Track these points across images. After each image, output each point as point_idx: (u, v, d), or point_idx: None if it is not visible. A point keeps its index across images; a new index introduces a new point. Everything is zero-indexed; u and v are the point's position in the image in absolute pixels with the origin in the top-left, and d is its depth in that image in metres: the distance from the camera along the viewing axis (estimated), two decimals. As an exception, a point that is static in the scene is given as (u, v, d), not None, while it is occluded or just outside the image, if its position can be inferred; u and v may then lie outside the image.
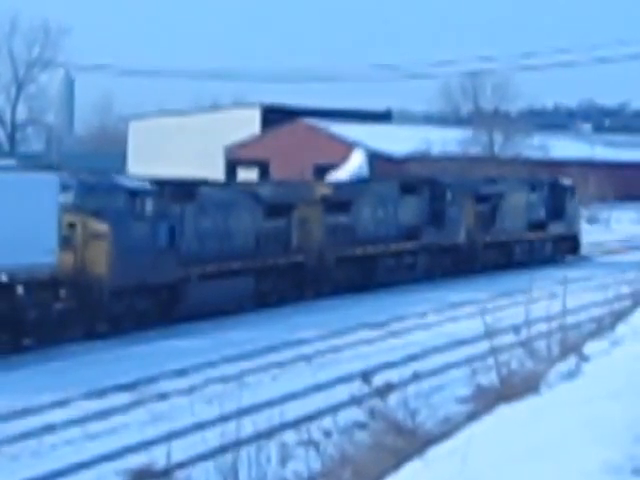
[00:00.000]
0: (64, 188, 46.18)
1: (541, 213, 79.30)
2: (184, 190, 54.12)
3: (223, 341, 43.64)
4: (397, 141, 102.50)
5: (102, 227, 46.41)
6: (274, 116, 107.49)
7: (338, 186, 66.37)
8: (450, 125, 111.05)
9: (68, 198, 46.35)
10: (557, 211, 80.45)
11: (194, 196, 53.44)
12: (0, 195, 41.80)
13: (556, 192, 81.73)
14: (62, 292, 44.34)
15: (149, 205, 49.79)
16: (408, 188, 68.81)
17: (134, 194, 49.88)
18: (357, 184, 69.42)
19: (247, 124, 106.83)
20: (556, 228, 79.83)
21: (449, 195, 70.27)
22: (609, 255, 74.55)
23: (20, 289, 41.92)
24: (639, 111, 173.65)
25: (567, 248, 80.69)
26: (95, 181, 50.95)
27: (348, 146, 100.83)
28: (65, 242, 44.67)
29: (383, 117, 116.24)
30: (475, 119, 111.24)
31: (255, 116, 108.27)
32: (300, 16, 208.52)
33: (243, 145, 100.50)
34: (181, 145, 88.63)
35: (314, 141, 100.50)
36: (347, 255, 60.57)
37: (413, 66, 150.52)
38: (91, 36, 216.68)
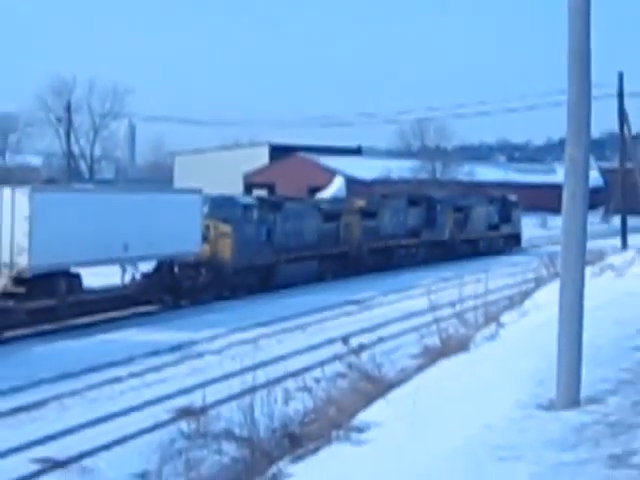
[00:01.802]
0: (204, 203, 51.96)
1: (496, 219, 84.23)
2: (275, 204, 59.77)
3: (244, 314, 43.19)
4: (366, 169, 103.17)
5: (227, 228, 51.75)
6: (278, 152, 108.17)
7: (369, 201, 69.77)
8: (404, 157, 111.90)
9: (205, 210, 51.78)
10: (506, 217, 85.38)
11: (281, 208, 58.75)
12: (169, 208, 47.23)
13: (505, 204, 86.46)
14: (202, 270, 49.88)
15: (255, 214, 55.22)
16: (412, 202, 74.33)
17: (246, 207, 55.77)
18: (380, 200, 71.85)
19: (259, 158, 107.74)
20: (505, 229, 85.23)
21: (438, 207, 75.98)
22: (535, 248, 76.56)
23: (177, 268, 48.78)
24: (539, 146, 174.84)
25: (513, 243, 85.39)
26: (222, 199, 57.26)
27: (331, 173, 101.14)
28: (204, 238, 49.67)
29: (356, 152, 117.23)
30: (422, 153, 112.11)
31: (265, 152, 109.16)
32: (300, 77, 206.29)
33: (256, 172, 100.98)
34: (212, 173, 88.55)
35: (307, 169, 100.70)
36: (375, 247, 66.22)
37: (385, 114, 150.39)
38: (147, 94, 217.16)
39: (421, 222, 73.51)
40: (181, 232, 46.87)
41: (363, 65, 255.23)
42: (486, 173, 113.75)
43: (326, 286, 55.67)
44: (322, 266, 59.51)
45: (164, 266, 47.36)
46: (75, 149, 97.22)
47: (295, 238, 58.19)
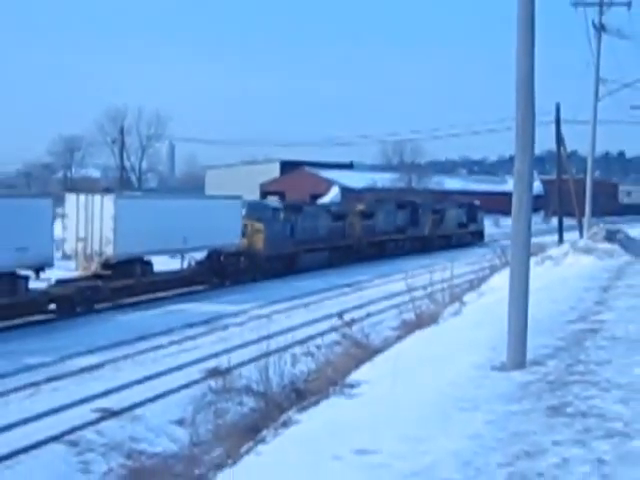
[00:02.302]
0: (243, 206, 54.07)
1: (464, 219, 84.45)
2: (296, 208, 60.38)
3: (263, 294, 43.18)
4: (356, 180, 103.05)
5: (260, 226, 52.48)
6: (287, 166, 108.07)
7: (367, 205, 70.47)
8: (386, 171, 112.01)
9: (244, 212, 53.38)
10: (472, 218, 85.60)
11: (301, 210, 59.92)
12: (217, 210, 48.67)
13: (471, 208, 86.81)
14: (241, 258, 50.61)
15: (281, 215, 56.04)
16: (400, 206, 74.30)
17: (274, 210, 56.61)
18: (375, 204, 72.53)
19: (272, 171, 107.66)
20: (472, 227, 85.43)
21: (420, 210, 75.84)
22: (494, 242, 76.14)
23: (222, 256, 48.87)
24: (493, 162, 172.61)
25: (477, 238, 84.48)
26: (257, 203, 61.35)
27: (329, 183, 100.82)
28: (243, 233, 50.67)
29: (348, 166, 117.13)
30: (400, 167, 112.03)
31: (277, 167, 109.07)
32: (304, 107, 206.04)
33: (270, 183, 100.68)
34: (235, 183, 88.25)
35: (310, 180, 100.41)
36: (371, 241, 66.47)
37: (373, 135, 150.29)
38: (184, 119, 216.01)
39: (407, 222, 73.45)
40: (226, 229, 48.31)
41: (353, 97, 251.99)
42: (451, 183, 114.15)
43: (329, 272, 55.12)
44: (331, 255, 59.87)
45: (213, 255, 48.34)
46: (126, 164, 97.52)
47: (311, 234, 58.41)
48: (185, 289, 44.49)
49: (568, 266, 29.79)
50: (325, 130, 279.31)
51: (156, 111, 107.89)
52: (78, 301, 35.93)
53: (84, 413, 19.99)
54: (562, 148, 47.68)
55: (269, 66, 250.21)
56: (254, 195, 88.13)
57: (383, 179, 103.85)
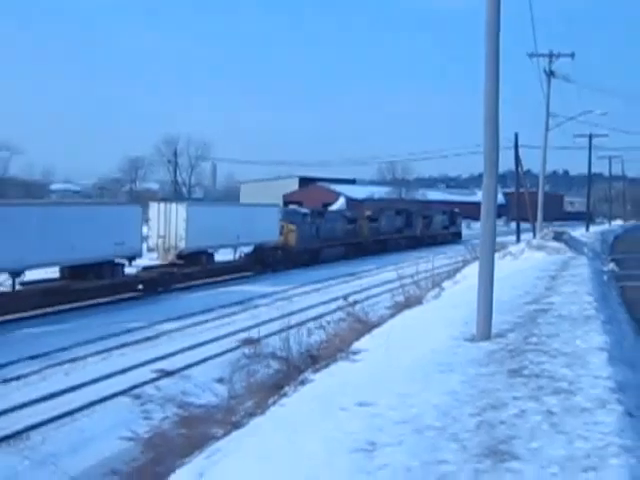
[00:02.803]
0: (280, 212, 53.29)
1: (447, 223, 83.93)
2: (320, 213, 60.94)
3: (291, 279, 43.45)
4: (358, 192, 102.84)
5: (293, 227, 52.12)
6: (304, 181, 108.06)
7: (373, 212, 70.17)
8: (381, 185, 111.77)
9: (280, 216, 51.92)
10: (452, 222, 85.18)
11: (323, 215, 60.34)
12: (261, 215, 49.61)
13: (452, 214, 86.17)
14: (279, 251, 50.16)
15: (309, 219, 55.67)
16: (398, 212, 74.27)
17: (304, 215, 56.29)
18: (379, 211, 72.20)
19: (292, 185, 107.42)
20: (452, 229, 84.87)
21: (414, 215, 75.93)
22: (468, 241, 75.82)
23: (264, 249, 48.71)
24: (466, 178, 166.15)
25: (457, 237, 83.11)
26: (290, 210, 59.92)
27: (337, 194, 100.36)
28: (280, 232, 50.24)
29: (352, 181, 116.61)
30: (393, 182, 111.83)
31: (296, 181, 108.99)
32: (316, 135, 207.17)
33: (291, 194, 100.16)
34: (263, 195, 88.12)
35: (322, 192, 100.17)
36: (377, 239, 66.02)
37: (378, 158, 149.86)
38: (223, 144, 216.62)
39: (403, 224, 73.01)
40: (267, 229, 48.54)
41: (356, 125, 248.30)
42: (432, 195, 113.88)
43: (344, 263, 54.72)
44: (346, 250, 59.12)
45: (258, 249, 48.45)
46: (178, 179, 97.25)
47: (331, 233, 57.70)
48: (236, 275, 45.20)
49: (524, 260, 29.75)
50: (334, 152, 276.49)
51: (202, 137, 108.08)
52: (159, 283, 37.70)
53: (145, 373, 20.08)
54: (520, 168, 47.72)
55: (288, 103, 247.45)
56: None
57: (379, 191, 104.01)
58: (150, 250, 40.47)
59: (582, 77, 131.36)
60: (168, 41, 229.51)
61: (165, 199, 52.14)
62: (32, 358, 21.01)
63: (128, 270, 36.37)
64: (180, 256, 41.20)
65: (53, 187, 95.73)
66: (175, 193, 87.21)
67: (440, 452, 6.90)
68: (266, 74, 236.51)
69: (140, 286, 36.43)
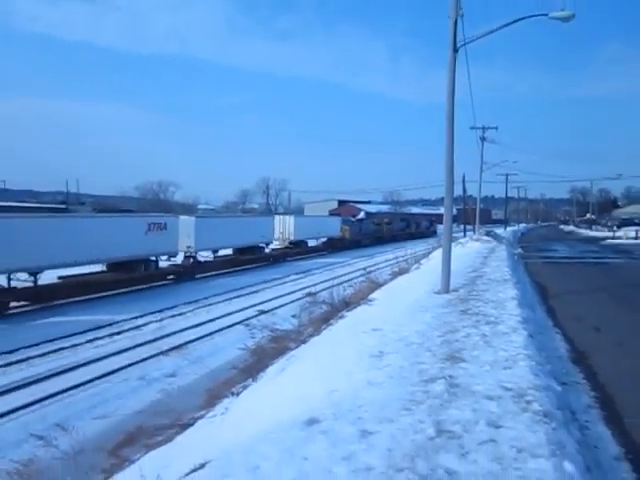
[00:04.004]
0: (341, 220, 50.78)
1: (428, 226, 77.12)
2: (360, 220, 59.18)
3: (344, 254, 41.32)
4: (371, 208, 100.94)
5: (347, 228, 49.29)
6: (341, 203, 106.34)
7: (389, 219, 66.97)
8: (385, 204, 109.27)
9: (340, 222, 49.78)
10: (431, 225, 77.92)
11: (362, 221, 57.94)
12: (330, 222, 49.21)
13: (431, 222, 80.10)
14: (340, 241, 47.58)
15: (355, 223, 53.20)
16: (402, 220, 71.58)
17: (352, 221, 53.69)
18: (392, 218, 69.60)
19: (333, 204, 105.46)
20: (431, 229, 76.50)
21: (411, 222, 72.58)
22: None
23: (333, 240, 46.57)
24: (436, 199, 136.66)
25: (434, 234, 73.71)
26: (346, 218, 54.56)
27: (359, 210, 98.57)
28: (340, 231, 47.93)
29: (368, 202, 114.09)
30: (391, 202, 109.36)
31: (335, 203, 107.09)
32: (349, 175, 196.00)
33: (333, 210, 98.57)
34: (317, 211, 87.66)
35: (351, 209, 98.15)
36: (391, 235, 61.94)
37: (382, 188, 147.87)
38: (296, 180, 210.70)
39: (405, 226, 69.35)
40: (334, 229, 47.64)
41: (374, 168, 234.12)
42: (414, 210, 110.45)
43: (370, 248, 50.16)
44: (374, 241, 55.06)
45: (329, 239, 46.63)
46: (271, 203, 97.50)
47: (366, 231, 54.44)
48: (318, 253, 44.16)
49: (468, 247, 29.28)
50: (358, 184, 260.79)
51: (283, 177, 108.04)
52: (280, 257, 38.26)
53: (249, 313, 20.04)
54: (465, 193, 47.27)
55: (334, 153, 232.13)
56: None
57: (383, 208, 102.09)
58: (275, 240, 40.26)
59: (505, 139, 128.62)
60: (266, 121, 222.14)
61: (283, 213, 51.96)
62: (187, 304, 21.00)
63: (267, 250, 37.43)
64: (290, 243, 40.77)
65: (199, 207, 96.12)
66: (268, 211, 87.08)
67: (420, 357, 6.85)
68: (329, 128, 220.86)
69: (271, 259, 37.19)
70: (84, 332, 16.08)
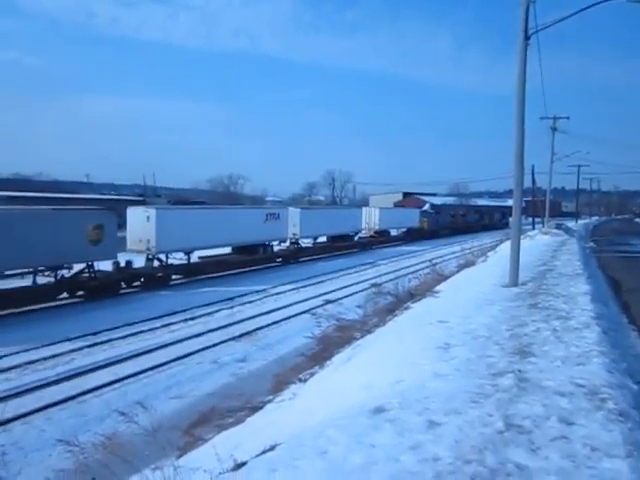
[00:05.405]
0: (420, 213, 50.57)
1: (500, 217, 70.48)
2: (438, 212, 56.51)
3: (423, 243, 41.66)
4: (436, 200, 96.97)
5: (425, 219, 49.40)
6: (406, 195, 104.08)
7: (464, 212, 65.05)
8: (450, 196, 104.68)
9: (419, 214, 49.85)
10: (504, 217, 68.27)
11: (440, 213, 55.70)
12: (409, 213, 48.52)
13: (504, 213, 70.73)
14: (418, 231, 47.72)
15: (433, 215, 52.68)
16: (476, 211, 69.04)
17: (430, 212, 53.59)
18: (467, 211, 66.72)
19: (398, 197, 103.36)
20: (504, 221, 66.90)
21: (484, 213, 69.75)
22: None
23: (412, 230, 46.70)
24: (502, 192, 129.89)
25: (506, 226, 70.58)
26: (424, 210, 54.29)
27: (424, 202, 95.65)
28: (419, 221, 48.22)
29: (434, 194, 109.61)
30: (457, 194, 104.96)
31: (400, 195, 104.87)
32: (419, 164, 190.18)
33: (398, 202, 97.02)
34: (383, 203, 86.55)
35: (416, 201, 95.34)
36: (467, 226, 59.17)
37: (449, 180, 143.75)
38: (359, 174, 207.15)
39: (479, 218, 65.75)
40: (413, 220, 47.62)
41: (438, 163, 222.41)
42: (480, 202, 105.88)
43: (446, 238, 48.34)
44: (450, 231, 53.01)
45: (409, 230, 46.60)
46: (336, 195, 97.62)
47: (443, 222, 53.49)
48: (399, 242, 44.31)
49: (537, 240, 28.22)
50: (423, 176, 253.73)
51: (348, 171, 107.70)
52: (367, 244, 39.23)
53: (316, 302, 20.13)
54: (534, 185, 45.46)
55: (394, 147, 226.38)
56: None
57: (448, 199, 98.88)
58: (362, 229, 40.96)
59: (575, 130, 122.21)
60: (331, 114, 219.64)
61: (370, 206, 49.43)
62: (256, 292, 21.26)
63: (355, 238, 38.54)
64: (375, 232, 41.60)
65: (267, 199, 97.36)
66: (334, 203, 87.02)
67: (488, 350, 6.68)
68: (390, 129, 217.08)
69: (359, 246, 38.08)
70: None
